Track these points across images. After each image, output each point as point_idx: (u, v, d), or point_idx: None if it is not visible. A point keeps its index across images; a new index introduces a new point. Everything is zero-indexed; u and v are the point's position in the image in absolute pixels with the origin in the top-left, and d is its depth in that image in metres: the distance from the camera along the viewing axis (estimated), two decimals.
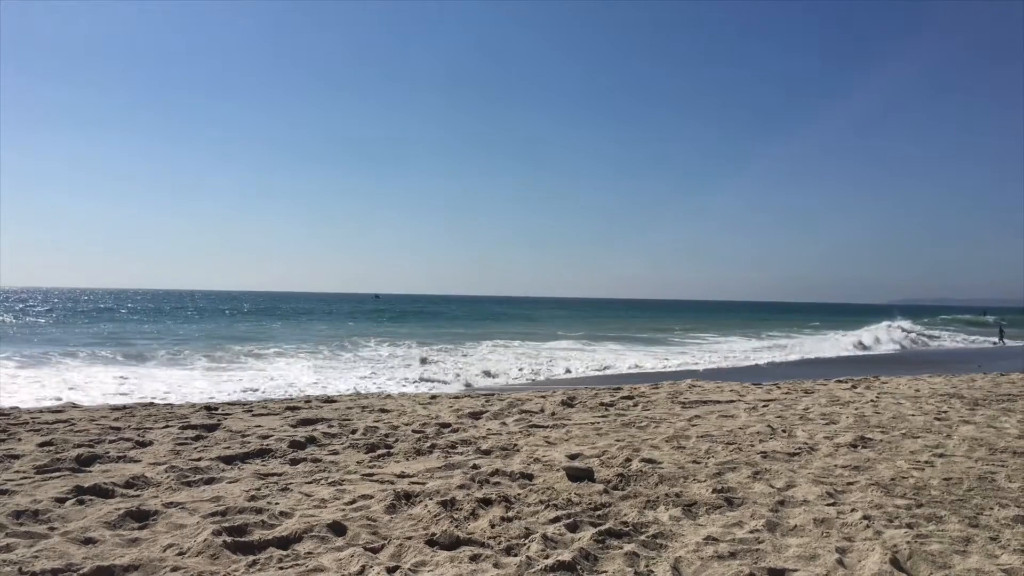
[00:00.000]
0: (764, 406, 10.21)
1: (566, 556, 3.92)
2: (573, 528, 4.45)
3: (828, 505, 5.02)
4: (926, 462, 6.47)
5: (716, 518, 4.76)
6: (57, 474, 5.66)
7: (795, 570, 3.84)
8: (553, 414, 9.35)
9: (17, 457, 6.19)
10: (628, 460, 6.31)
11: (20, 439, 7.02)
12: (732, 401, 10.78)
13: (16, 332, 33.35)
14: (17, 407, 9.60)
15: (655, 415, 9.26)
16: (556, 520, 4.58)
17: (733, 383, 13.93)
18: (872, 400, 10.95)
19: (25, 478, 5.50)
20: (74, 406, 9.84)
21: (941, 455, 6.79)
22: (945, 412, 9.64)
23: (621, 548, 4.12)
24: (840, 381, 14.34)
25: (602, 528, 4.41)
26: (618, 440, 7.40)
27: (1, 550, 3.88)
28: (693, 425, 8.46)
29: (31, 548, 3.92)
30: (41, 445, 6.70)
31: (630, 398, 11.00)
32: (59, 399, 11.72)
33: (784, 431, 8.04)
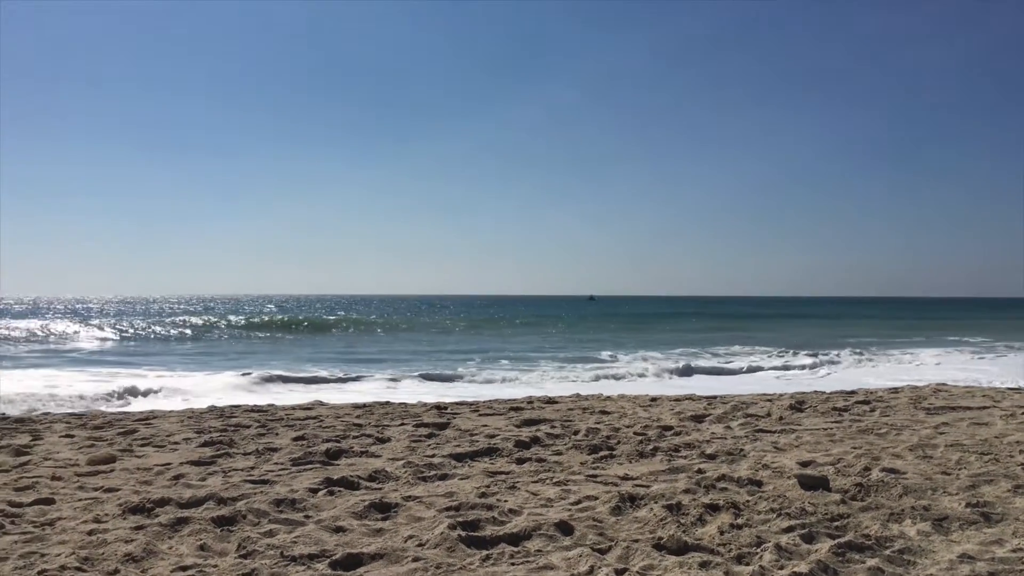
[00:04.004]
0: None
1: (802, 568, 3.73)
2: (808, 539, 4.23)
3: None
4: None
5: (971, 534, 4.33)
6: (309, 466, 6.19)
7: None
8: (781, 418, 8.95)
9: (276, 450, 6.87)
10: (867, 469, 5.90)
11: (277, 434, 7.77)
12: (985, 407, 9.78)
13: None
14: (273, 404, 10.63)
15: (895, 421, 8.60)
16: (790, 530, 4.38)
17: (985, 387, 12.64)
18: None
19: (283, 470, 6.07)
20: (321, 404, 10.72)
21: None
22: None
23: (863, 563, 3.86)
24: None
25: (841, 540, 4.15)
26: (855, 447, 6.95)
27: (265, 535, 4.30)
28: (940, 433, 7.76)
29: (291, 534, 4.31)
30: (295, 439, 7.38)
31: (867, 403, 10.29)
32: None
33: None
